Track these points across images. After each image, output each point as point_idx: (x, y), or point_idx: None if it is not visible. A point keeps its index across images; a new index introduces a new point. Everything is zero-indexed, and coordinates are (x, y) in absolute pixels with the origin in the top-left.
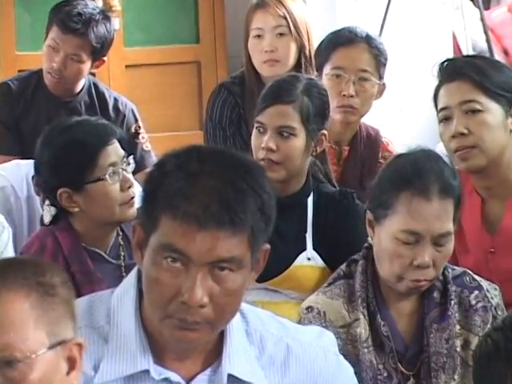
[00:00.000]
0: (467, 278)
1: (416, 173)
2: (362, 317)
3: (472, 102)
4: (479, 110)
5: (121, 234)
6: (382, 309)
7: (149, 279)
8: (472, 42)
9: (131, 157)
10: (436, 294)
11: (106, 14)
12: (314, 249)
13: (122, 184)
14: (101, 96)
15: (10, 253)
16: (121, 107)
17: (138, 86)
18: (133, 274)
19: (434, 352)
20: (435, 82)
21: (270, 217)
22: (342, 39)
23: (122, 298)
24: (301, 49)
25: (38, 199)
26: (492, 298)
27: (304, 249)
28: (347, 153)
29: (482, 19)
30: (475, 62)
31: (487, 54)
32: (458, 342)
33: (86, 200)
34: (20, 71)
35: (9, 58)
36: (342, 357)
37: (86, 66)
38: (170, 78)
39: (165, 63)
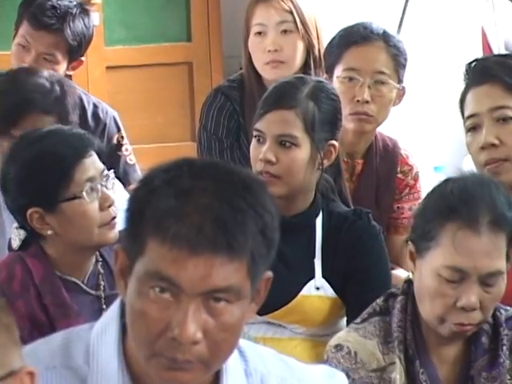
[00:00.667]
0: None
1: (464, 201)
2: (398, 361)
3: (504, 109)
4: None
5: (100, 260)
6: (421, 353)
7: (133, 312)
8: (504, 39)
9: (112, 171)
10: (485, 339)
11: (84, 7)
12: (324, 277)
13: (102, 202)
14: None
15: None
16: (101, 115)
17: (120, 90)
18: (115, 306)
19: None
20: (462, 86)
21: (273, 240)
22: (355, 37)
23: (103, 334)
24: (309, 48)
25: (5, 220)
26: None
27: (312, 277)
28: (361, 167)
29: None
30: (507, 63)
31: None
32: None
33: (60, 221)
34: None
35: None
36: None
37: (61, 67)
38: (158, 81)
39: (151, 64)
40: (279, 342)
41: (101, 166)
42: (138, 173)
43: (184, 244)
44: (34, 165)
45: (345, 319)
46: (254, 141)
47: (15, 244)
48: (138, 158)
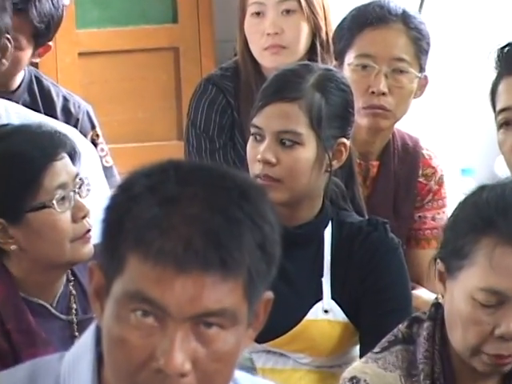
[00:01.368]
0: None
1: (502, 212)
2: None
3: None
4: None
5: (72, 279)
6: None
7: (111, 339)
8: None
9: (86, 176)
10: None
11: None
12: (333, 298)
13: (75, 212)
14: (46, 94)
15: None
16: (72, 109)
17: (95, 80)
18: (89, 332)
19: None
20: (493, 74)
21: (273, 255)
22: (370, 17)
23: (75, 364)
24: (315, 30)
25: None
26: None
27: (320, 298)
28: (376, 169)
29: None
30: None
31: None
32: None
33: (26, 234)
34: None
35: None
36: None
37: (26, 53)
38: (138, 69)
39: (131, 50)
40: (281, 374)
41: (74, 170)
42: (116, 177)
43: (170, 260)
44: None
45: (357, 347)
46: (251, 139)
47: None
48: (116, 160)
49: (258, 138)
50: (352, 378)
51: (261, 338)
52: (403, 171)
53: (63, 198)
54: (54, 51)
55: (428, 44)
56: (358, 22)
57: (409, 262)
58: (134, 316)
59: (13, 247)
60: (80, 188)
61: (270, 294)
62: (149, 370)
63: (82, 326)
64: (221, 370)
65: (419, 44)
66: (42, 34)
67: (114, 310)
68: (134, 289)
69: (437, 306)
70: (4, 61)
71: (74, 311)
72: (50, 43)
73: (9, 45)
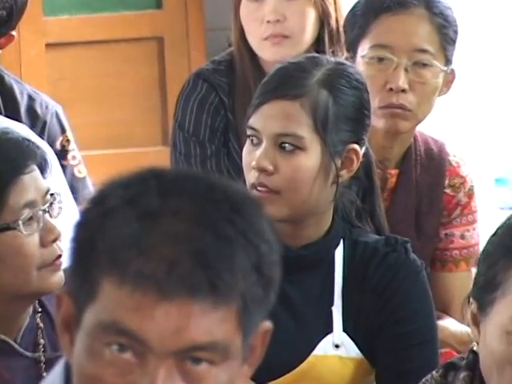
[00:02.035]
0: None
1: None
2: None
3: None
4: None
5: (39, 311)
6: None
7: (83, 377)
8: None
9: (58, 191)
10: None
11: None
12: (345, 331)
13: (44, 235)
14: (7, 92)
15: None
16: (39, 110)
17: (65, 76)
18: (58, 369)
19: None
20: None
21: (272, 278)
22: (387, 1)
23: None
24: (322, 17)
25: None
26: None
27: (329, 331)
28: (395, 179)
29: None
30: None
31: None
32: None
33: None
34: None
35: None
36: None
37: None
38: (117, 63)
39: (107, 40)
40: None
41: (44, 185)
42: (90, 189)
43: (150, 285)
44: None
45: None
46: (246, 143)
47: None
48: (90, 170)
49: (254, 141)
50: None
51: (261, 378)
52: (426, 181)
53: (31, 218)
54: (17, 42)
55: (455, 32)
56: (374, 7)
57: (434, 287)
58: (108, 351)
59: None
60: (51, 206)
61: (268, 324)
62: None
63: (51, 365)
64: None
65: (445, 32)
66: (3, 22)
67: (85, 344)
68: (108, 319)
69: (475, 353)
70: None
71: (41, 347)
72: (13, 33)
73: None
